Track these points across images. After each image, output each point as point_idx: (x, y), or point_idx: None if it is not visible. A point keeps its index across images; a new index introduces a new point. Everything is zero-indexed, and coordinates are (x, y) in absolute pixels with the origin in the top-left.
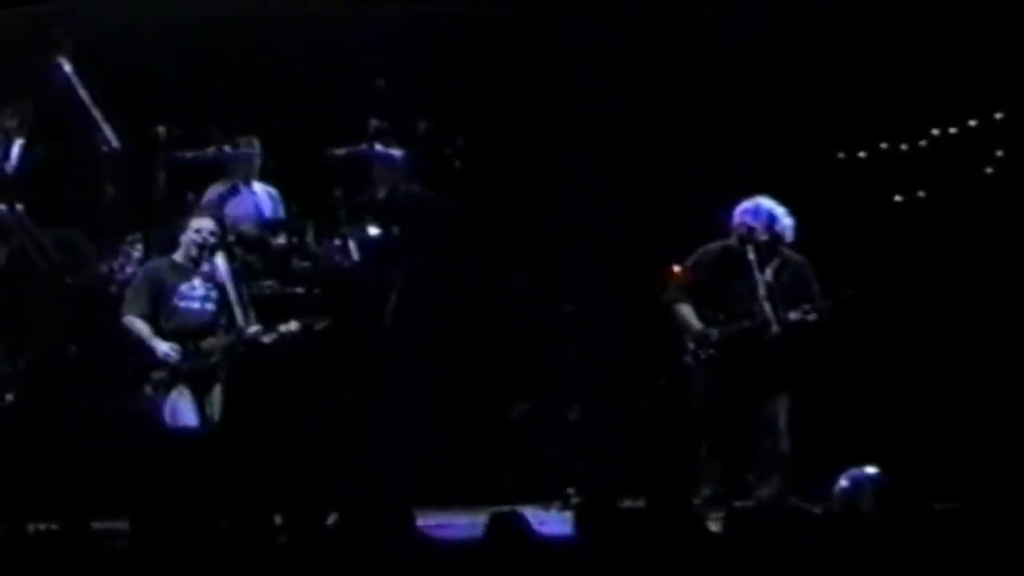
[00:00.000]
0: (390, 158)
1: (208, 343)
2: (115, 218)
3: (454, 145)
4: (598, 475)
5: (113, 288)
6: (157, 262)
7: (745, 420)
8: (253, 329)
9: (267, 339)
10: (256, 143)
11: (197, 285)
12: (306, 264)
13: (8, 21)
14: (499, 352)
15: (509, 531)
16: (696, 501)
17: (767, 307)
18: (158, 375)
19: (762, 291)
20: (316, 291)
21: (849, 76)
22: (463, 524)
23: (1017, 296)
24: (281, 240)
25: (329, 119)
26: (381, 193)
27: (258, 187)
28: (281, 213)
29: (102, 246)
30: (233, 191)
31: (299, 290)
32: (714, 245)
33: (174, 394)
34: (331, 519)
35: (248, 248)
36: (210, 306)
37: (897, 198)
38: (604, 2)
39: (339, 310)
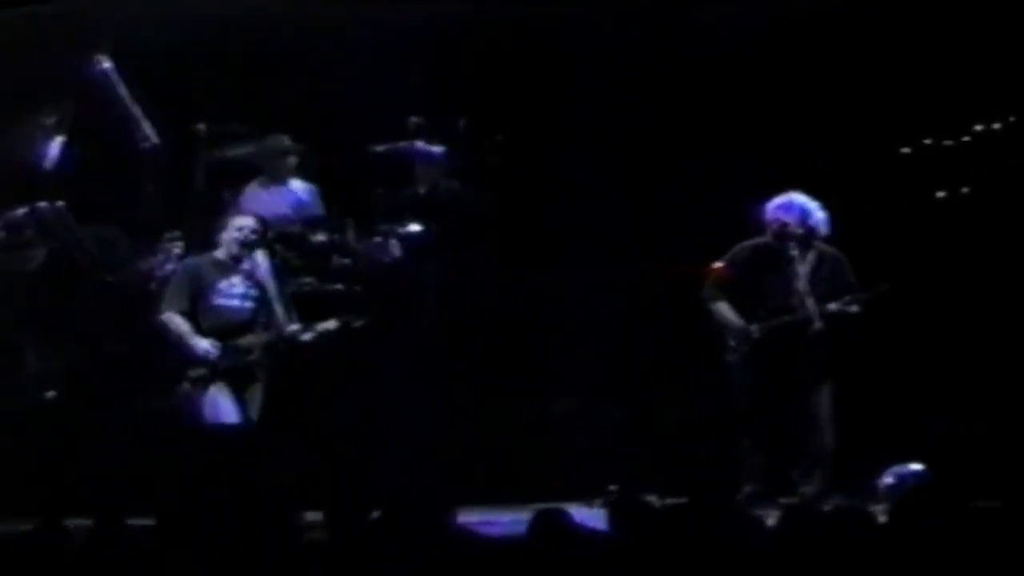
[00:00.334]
0: (431, 155)
1: (247, 340)
2: (154, 215)
3: (494, 142)
4: (640, 472)
5: (152, 285)
6: (196, 260)
7: (788, 415)
8: (293, 327)
9: (306, 336)
10: (288, 140)
11: (237, 283)
12: (346, 261)
13: (48, 19)
14: (541, 348)
15: (553, 528)
16: (739, 497)
17: (809, 301)
18: (196, 372)
19: (801, 285)
20: (356, 288)
21: (892, 71)
22: (507, 521)
23: None
24: (321, 237)
25: (369, 116)
26: (422, 190)
27: (296, 184)
28: (319, 210)
29: (141, 243)
30: (269, 189)
31: (339, 287)
32: (748, 242)
33: (213, 391)
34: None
35: (288, 245)
36: (249, 304)
37: (939, 193)
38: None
39: (379, 307)
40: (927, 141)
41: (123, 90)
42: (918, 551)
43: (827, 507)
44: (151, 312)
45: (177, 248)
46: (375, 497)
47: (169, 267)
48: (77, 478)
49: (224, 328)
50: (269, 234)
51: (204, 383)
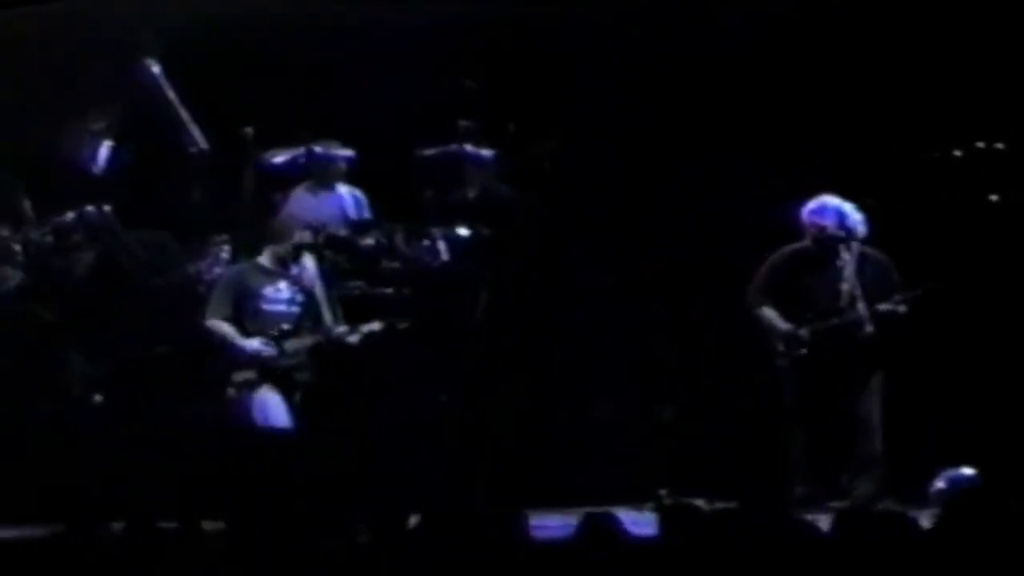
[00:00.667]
0: (480, 158)
1: (293, 344)
2: (202, 219)
3: (544, 146)
4: (689, 476)
5: (200, 289)
6: (240, 267)
7: (838, 419)
8: (339, 329)
9: (353, 339)
10: (340, 145)
11: (283, 287)
12: (395, 265)
13: (97, 23)
14: (589, 351)
15: (601, 532)
16: (789, 501)
17: (859, 304)
18: (243, 376)
19: (846, 287)
20: (405, 292)
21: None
22: (555, 525)
23: None
24: (370, 241)
25: (419, 120)
26: (471, 194)
27: (343, 189)
28: (367, 215)
29: (189, 247)
30: (318, 193)
31: (388, 291)
32: (787, 248)
33: (261, 394)
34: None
35: (337, 249)
36: (296, 308)
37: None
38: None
39: (427, 310)
40: (955, 143)
41: (171, 94)
42: (966, 555)
43: (877, 511)
44: (197, 317)
45: (224, 252)
46: (420, 500)
47: (217, 271)
48: (123, 482)
49: (272, 333)
50: (318, 238)
51: (252, 386)
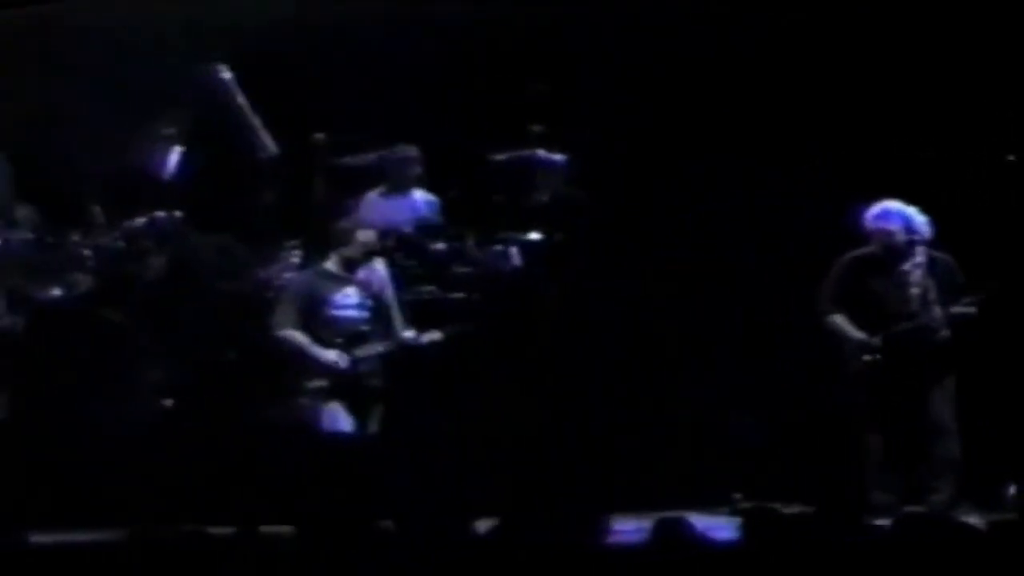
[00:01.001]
0: (552, 163)
1: (364, 350)
2: (272, 225)
3: (616, 149)
4: (765, 480)
5: (271, 294)
6: (307, 273)
7: (913, 424)
8: (410, 334)
9: (424, 344)
10: (414, 150)
11: (351, 293)
12: (467, 269)
13: (167, 29)
14: (663, 356)
15: (675, 536)
16: (865, 507)
17: (933, 307)
18: (316, 384)
19: (916, 291)
20: (476, 296)
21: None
22: (629, 529)
23: None
24: (441, 246)
25: (491, 124)
26: (543, 198)
27: (416, 194)
28: (439, 221)
29: (260, 252)
30: (391, 198)
31: (459, 296)
32: (852, 254)
33: (333, 400)
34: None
35: (408, 254)
36: (365, 313)
37: None
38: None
39: (499, 315)
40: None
41: (242, 99)
42: None
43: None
44: (267, 323)
45: (295, 257)
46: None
47: (287, 276)
48: (193, 486)
49: (341, 339)
50: (388, 242)
51: (324, 394)
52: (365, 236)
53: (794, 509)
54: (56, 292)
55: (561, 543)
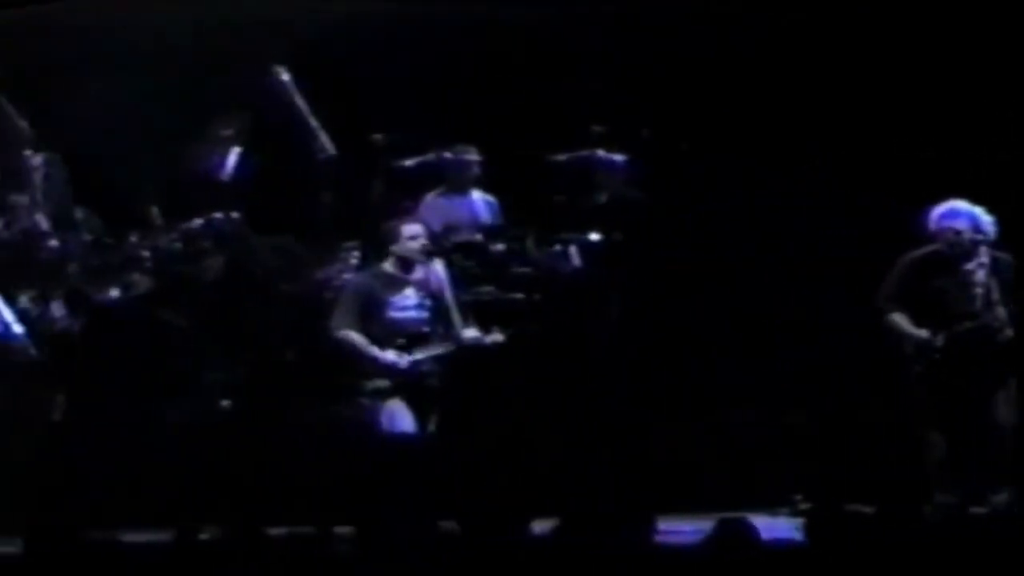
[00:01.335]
0: (612, 163)
1: (423, 351)
2: (331, 226)
3: (678, 150)
4: (826, 481)
5: (329, 295)
6: (364, 276)
7: (974, 424)
8: (470, 335)
9: (484, 345)
10: (474, 151)
11: (410, 294)
12: (526, 270)
13: (227, 30)
14: (722, 356)
15: (736, 537)
16: (928, 507)
17: (998, 307)
18: (375, 384)
19: (980, 291)
20: (536, 297)
21: None
22: (689, 530)
23: None
24: (500, 246)
25: (550, 125)
26: (603, 199)
27: (476, 195)
28: (499, 221)
29: (318, 253)
30: (451, 198)
31: (518, 296)
32: (916, 252)
33: (393, 401)
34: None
35: (467, 254)
36: (424, 314)
37: None
38: None
39: (559, 316)
40: None
41: (300, 101)
42: None
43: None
44: (325, 324)
45: (354, 258)
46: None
47: (347, 276)
48: (252, 487)
49: (401, 340)
50: (447, 243)
51: (384, 395)
52: (423, 237)
53: (855, 509)
54: (114, 293)
55: (620, 544)
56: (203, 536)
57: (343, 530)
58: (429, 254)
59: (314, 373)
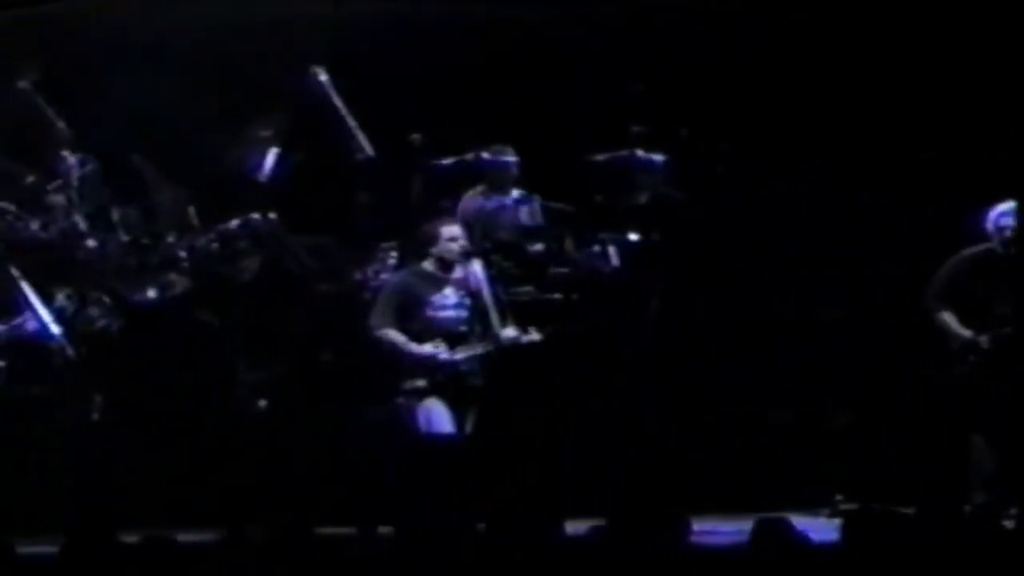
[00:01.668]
0: (651, 163)
1: (462, 350)
2: (369, 226)
3: (717, 150)
4: (866, 481)
5: (367, 295)
6: (403, 275)
7: (1018, 426)
8: (509, 334)
9: (523, 344)
10: (511, 150)
11: (449, 293)
12: (564, 270)
13: (264, 31)
14: (762, 356)
15: (776, 537)
16: (968, 509)
17: None
18: (413, 384)
19: None
20: (574, 297)
21: None
22: (729, 530)
23: None
24: (539, 246)
25: (589, 125)
26: (642, 199)
27: (515, 194)
28: (538, 220)
29: (356, 253)
30: (490, 198)
31: (557, 296)
32: (968, 251)
33: (429, 401)
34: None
35: (506, 254)
36: (464, 313)
37: None
38: None
39: (598, 316)
40: None
41: (338, 101)
42: None
43: None
44: (363, 324)
45: (392, 258)
46: (592, 506)
47: (384, 276)
48: (290, 486)
49: (440, 339)
50: (485, 243)
51: (422, 394)
52: (462, 238)
53: (896, 510)
54: (151, 294)
55: (661, 543)
56: (247, 536)
57: (383, 530)
58: (468, 255)
59: (351, 373)
